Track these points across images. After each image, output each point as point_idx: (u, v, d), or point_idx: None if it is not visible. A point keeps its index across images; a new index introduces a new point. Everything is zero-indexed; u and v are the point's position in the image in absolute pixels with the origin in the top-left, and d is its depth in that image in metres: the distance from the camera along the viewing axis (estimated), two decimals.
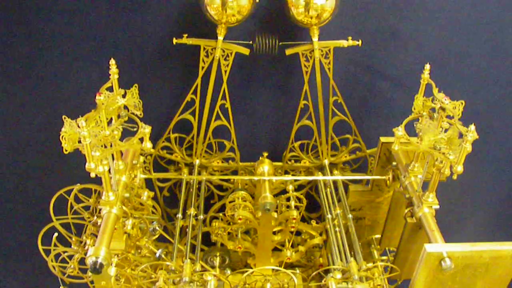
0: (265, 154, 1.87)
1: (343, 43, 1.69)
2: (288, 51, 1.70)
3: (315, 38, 1.67)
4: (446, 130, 1.35)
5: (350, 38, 1.68)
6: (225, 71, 1.71)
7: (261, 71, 1.88)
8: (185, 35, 1.67)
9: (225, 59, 1.69)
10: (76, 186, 1.46)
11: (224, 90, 1.75)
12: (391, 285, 1.69)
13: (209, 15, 1.59)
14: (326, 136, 1.89)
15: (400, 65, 1.87)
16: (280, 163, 1.96)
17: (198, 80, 1.74)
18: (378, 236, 1.91)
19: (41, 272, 1.57)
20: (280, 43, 1.68)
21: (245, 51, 1.69)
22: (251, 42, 1.68)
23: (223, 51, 1.68)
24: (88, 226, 1.46)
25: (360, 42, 1.68)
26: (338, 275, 1.42)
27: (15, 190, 2.11)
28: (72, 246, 1.46)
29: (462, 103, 1.33)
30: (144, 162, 1.86)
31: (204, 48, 1.69)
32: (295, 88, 1.87)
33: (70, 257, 1.44)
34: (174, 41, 1.67)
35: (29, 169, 2.05)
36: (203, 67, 1.71)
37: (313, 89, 1.77)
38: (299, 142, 1.92)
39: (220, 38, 1.65)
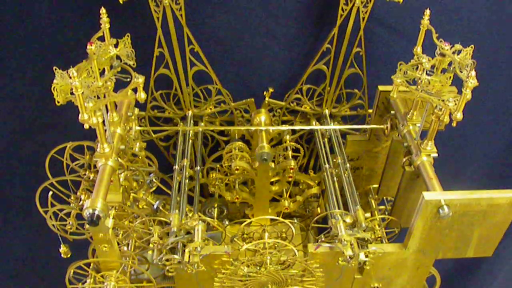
0: (271, 89, 1.85)
1: None
2: None
3: None
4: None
5: None
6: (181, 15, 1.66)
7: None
8: None
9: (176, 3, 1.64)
10: (68, 143, 1.44)
11: (186, 34, 1.71)
12: (388, 235, 1.70)
13: None
14: (336, 86, 1.87)
15: (398, 12, 1.83)
16: (281, 103, 1.93)
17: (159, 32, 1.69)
18: (376, 185, 1.91)
19: (42, 229, 1.57)
20: None
21: None
22: None
23: None
24: (82, 181, 1.45)
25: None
26: (348, 219, 1.42)
27: (9, 146, 2.10)
28: (71, 205, 1.46)
29: (472, 47, 1.31)
30: (140, 125, 1.84)
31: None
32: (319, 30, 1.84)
33: (69, 215, 1.44)
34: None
35: (22, 124, 2.03)
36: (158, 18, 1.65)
37: (340, 36, 1.74)
38: (307, 86, 1.89)
39: None
